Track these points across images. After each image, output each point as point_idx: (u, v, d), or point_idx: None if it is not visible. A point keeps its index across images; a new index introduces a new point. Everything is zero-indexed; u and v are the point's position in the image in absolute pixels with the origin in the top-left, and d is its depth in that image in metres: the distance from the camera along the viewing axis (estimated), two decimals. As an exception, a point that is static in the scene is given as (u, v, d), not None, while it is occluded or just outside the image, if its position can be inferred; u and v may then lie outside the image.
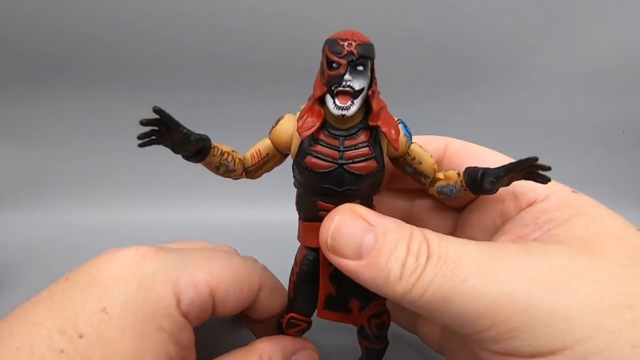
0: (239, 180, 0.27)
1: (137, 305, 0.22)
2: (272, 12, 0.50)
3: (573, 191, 0.24)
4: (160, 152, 0.58)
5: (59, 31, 0.51)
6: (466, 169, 0.25)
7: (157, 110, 0.21)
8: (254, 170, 0.26)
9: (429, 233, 0.22)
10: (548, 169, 0.21)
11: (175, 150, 0.23)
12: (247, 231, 0.51)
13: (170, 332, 0.23)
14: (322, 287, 0.26)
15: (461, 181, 0.25)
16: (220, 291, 0.25)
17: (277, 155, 0.26)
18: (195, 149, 0.23)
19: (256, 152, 0.26)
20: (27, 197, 0.57)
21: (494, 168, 0.23)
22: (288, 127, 0.24)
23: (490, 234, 0.25)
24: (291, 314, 0.28)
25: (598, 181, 0.61)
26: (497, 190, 0.24)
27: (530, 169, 0.22)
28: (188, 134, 0.22)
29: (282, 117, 0.25)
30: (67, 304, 0.22)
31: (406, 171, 0.26)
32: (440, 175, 0.26)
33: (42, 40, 0.51)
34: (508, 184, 0.23)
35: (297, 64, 0.49)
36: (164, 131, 0.21)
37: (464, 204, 0.28)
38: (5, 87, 0.54)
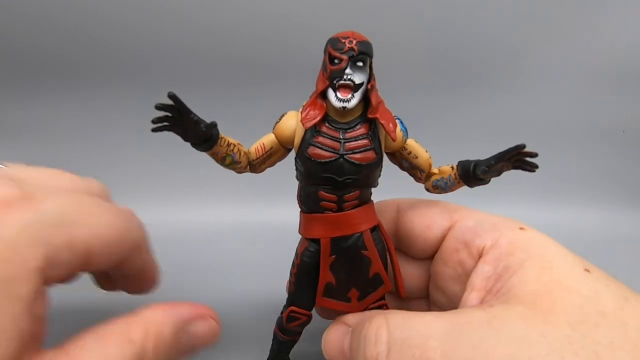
0: (242, 174, 0.28)
1: None
2: (273, 12, 0.50)
3: (521, 228, 0.25)
4: (160, 153, 0.58)
5: (58, 31, 0.51)
6: (459, 162, 0.26)
7: (171, 95, 0.22)
8: (257, 163, 0.27)
9: (393, 317, 0.22)
10: (534, 155, 0.23)
11: (186, 138, 0.24)
12: (247, 231, 0.51)
13: (27, 301, 0.18)
14: (322, 275, 0.26)
15: (455, 174, 0.26)
16: (96, 251, 0.22)
17: (280, 149, 0.27)
18: (205, 136, 0.24)
19: (260, 145, 0.27)
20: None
21: (485, 158, 0.25)
22: (291, 122, 0.26)
23: (459, 283, 0.26)
24: (292, 307, 0.28)
25: (598, 181, 0.61)
26: (489, 181, 0.25)
27: (518, 157, 0.23)
28: (198, 121, 0.23)
29: (286, 113, 0.26)
30: None
31: (403, 166, 0.28)
32: (434, 170, 0.28)
33: (42, 40, 0.51)
34: (499, 174, 0.25)
35: (298, 64, 0.49)
36: (176, 117, 0.23)
37: (428, 249, 0.29)
38: (5, 87, 0.54)
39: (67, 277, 0.22)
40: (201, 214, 0.56)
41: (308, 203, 0.26)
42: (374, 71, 0.25)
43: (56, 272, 0.20)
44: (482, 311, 0.21)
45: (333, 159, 0.24)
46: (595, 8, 0.53)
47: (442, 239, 0.28)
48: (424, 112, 0.55)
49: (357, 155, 0.24)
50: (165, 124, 0.23)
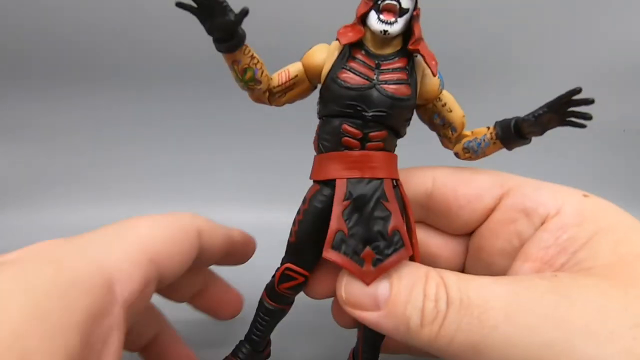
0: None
1: (48, 288, 0.17)
2: (269, 12, 0.50)
3: (584, 195, 0.23)
4: (160, 153, 0.58)
5: (57, 31, 0.51)
6: (496, 122, 0.24)
7: None
8: (278, 92, 0.25)
9: (447, 275, 0.20)
10: (591, 102, 0.20)
11: (211, 27, 0.21)
12: (248, 231, 0.51)
13: (88, 314, 0.17)
14: (333, 221, 0.22)
15: (491, 133, 0.24)
16: (162, 254, 0.22)
17: (305, 81, 0.25)
18: (232, 29, 0.21)
19: (285, 72, 0.24)
20: (25, 198, 0.57)
21: (529, 113, 0.23)
22: (322, 51, 0.24)
23: (510, 258, 0.24)
24: (288, 264, 0.25)
25: (598, 181, 0.61)
26: (530, 140, 0.23)
27: (569, 107, 0.20)
28: (227, 6, 0.20)
29: (315, 46, 0.24)
30: None
31: (434, 122, 0.25)
32: (467, 132, 0.25)
33: (42, 40, 0.51)
34: (543, 131, 0.22)
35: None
36: (204, 1, 0.20)
37: (473, 222, 0.26)
38: (7, 87, 0.53)
39: (146, 288, 0.21)
40: (201, 214, 0.56)
41: (328, 139, 0.23)
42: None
43: (134, 290, 0.20)
44: (545, 279, 0.19)
45: (365, 85, 0.22)
46: (596, 8, 0.53)
47: (492, 209, 0.25)
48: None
49: (392, 87, 0.22)
50: (192, 4, 0.20)
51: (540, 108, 0.22)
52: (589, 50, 0.55)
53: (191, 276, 0.28)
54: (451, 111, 0.25)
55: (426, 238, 0.27)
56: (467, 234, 0.27)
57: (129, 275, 0.20)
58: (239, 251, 0.29)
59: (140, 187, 0.58)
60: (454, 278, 0.20)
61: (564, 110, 0.21)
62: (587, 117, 0.20)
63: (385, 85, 0.22)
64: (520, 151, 0.63)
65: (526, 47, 0.55)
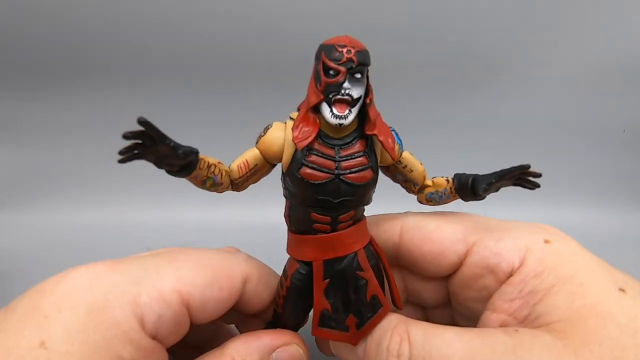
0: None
1: (86, 336, 0.19)
2: (263, 16, 0.50)
3: (546, 241, 0.23)
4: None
5: (58, 31, 0.51)
6: (455, 175, 0.25)
7: (142, 121, 0.19)
8: (240, 182, 0.25)
9: (413, 329, 0.21)
10: (539, 175, 0.21)
11: (159, 165, 0.21)
12: (248, 231, 0.51)
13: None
14: (316, 302, 0.24)
15: (450, 187, 0.25)
16: (195, 297, 0.22)
17: (265, 165, 0.24)
18: (184, 163, 0.21)
19: (243, 163, 0.24)
20: (25, 198, 0.57)
21: (485, 175, 0.23)
22: (278, 136, 0.23)
23: (484, 303, 0.24)
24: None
25: (598, 181, 0.61)
26: (485, 197, 0.24)
27: (520, 176, 0.22)
28: (176, 147, 0.20)
29: (271, 126, 0.24)
30: (0, 339, 0.18)
31: (396, 179, 0.26)
32: (428, 182, 0.26)
33: (42, 40, 0.51)
34: (497, 190, 0.24)
35: (287, 68, 0.49)
36: (148, 145, 0.20)
37: (443, 273, 0.26)
38: (7, 87, 0.53)
39: (178, 330, 0.22)
40: (201, 214, 0.56)
41: (298, 224, 0.24)
42: (371, 81, 0.23)
43: (158, 327, 0.21)
44: (506, 336, 0.20)
45: (328, 179, 0.22)
46: (596, 8, 0.53)
47: (459, 264, 0.25)
48: (423, 113, 0.55)
49: (354, 175, 0.22)
50: (135, 152, 0.20)
51: (493, 176, 0.23)
52: (589, 50, 0.55)
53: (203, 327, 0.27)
54: (412, 171, 0.25)
55: (409, 275, 0.28)
56: (446, 276, 0.27)
57: (159, 316, 0.21)
58: None
59: (141, 186, 0.57)
60: (420, 333, 0.21)
61: (514, 179, 0.23)
62: (535, 187, 0.22)
63: (349, 175, 0.22)
64: (520, 151, 0.63)
65: (526, 47, 0.55)
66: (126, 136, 0.19)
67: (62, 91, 0.54)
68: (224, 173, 0.24)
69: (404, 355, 0.20)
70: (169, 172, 0.22)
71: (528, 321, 0.21)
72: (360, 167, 0.22)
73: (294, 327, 0.26)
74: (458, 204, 0.27)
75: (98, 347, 0.19)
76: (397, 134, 0.24)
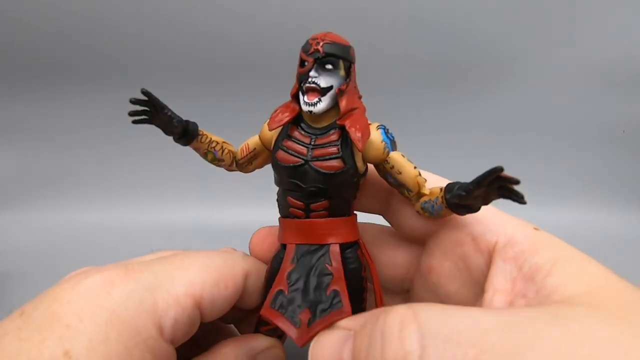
0: (233, 172, 0.28)
1: (110, 345, 0.19)
2: (263, 11, 0.50)
3: (535, 228, 0.22)
4: (161, 153, 0.58)
5: (58, 32, 0.51)
6: (447, 185, 0.22)
7: (144, 92, 0.23)
8: (244, 163, 0.27)
9: (423, 309, 0.17)
10: (516, 182, 0.18)
11: (165, 131, 0.25)
12: (249, 231, 0.51)
13: None
14: (276, 281, 0.23)
15: (442, 197, 0.22)
16: (206, 298, 0.23)
17: (264, 151, 0.26)
18: (178, 131, 0.25)
19: (245, 146, 0.27)
20: (25, 198, 0.57)
21: (466, 182, 0.21)
22: None
23: (459, 282, 0.23)
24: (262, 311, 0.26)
25: (598, 181, 0.61)
26: (478, 208, 0.21)
27: (501, 184, 0.19)
28: (172, 116, 0.24)
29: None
30: (21, 348, 0.18)
31: (389, 181, 0.25)
32: (426, 190, 0.24)
33: (42, 41, 0.51)
34: (486, 202, 0.20)
35: (285, 66, 0.49)
36: (152, 112, 0.24)
37: (425, 227, 0.25)
38: (7, 87, 0.53)
39: (190, 330, 0.23)
40: (202, 214, 0.56)
41: (281, 208, 0.25)
42: (358, 75, 0.23)
43: (175, 331, 0.21)
44: (538, 309, 0.17)
45: (298, 164, 0.23)
46: (596, 8, 0.53)
47: (443, 224, 0.24)
48: (422, 113, 0.55)
49: (322, 163, 0.23)
50: (144, 117, 0.24)
51: (471, 183, 0.20)
52: (589, 50, 0.55)
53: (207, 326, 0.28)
54: (400, 173, 0.24)
55: (383, 246, 0.28)
56: (419, 241, 0.26)
57: (175, 321, 0.21)
58: None
59: (141, 186, 0.58)
60: (433, 311, 0.17)
61: (497, 188, 0.19)
62: (521, 200, 0.18)
63: (317, 162, 0.23)
64: (520, 151, 0.63)
65: (527, 48, 0.55)
66: (132, 101, 0.23)
67: (63, 91, 0.54)
68: (226, 151, 0.27)
69: (411, 336, 0.16)
70: (175, 140, 0.25)
71: (543, 296, 0.19)
72: (328, 156, 0.23)
73: None
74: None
75: (120, 357, 0.19)
76: (385, 132, 0.24)
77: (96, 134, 0.56)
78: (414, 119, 0.54)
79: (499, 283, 0.21)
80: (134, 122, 0.24)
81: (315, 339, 0.21)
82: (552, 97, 0.57)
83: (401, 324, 0.16)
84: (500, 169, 0.18)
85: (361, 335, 0.18)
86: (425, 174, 0.25)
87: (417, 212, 0.25)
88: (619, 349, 0.15)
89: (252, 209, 0.55)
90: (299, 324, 0.22)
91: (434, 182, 0.24)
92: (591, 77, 0.57)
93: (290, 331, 0.22)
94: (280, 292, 0.23)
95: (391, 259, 0.27)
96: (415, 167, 0.24)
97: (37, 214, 0.56)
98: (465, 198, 0.20)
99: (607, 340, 0.15)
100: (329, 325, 0.21)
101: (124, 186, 0.57)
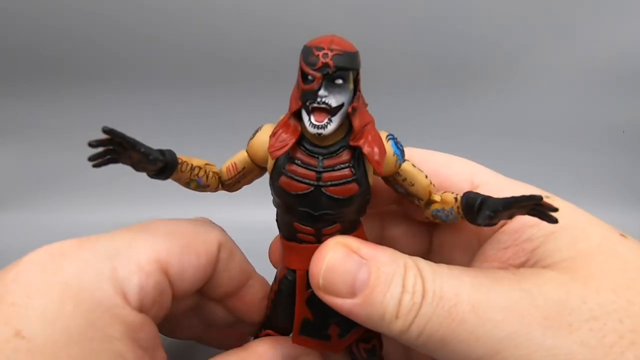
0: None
1: (67, 320, 0.17)
2: (260, 13, 0.50)
3: (546, 196, 0.22)
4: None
5: (58, 31, 0.51)
6: (465, 194, 0.21)
7: (107, 130, 0.19)
8: (231, 184, 0.24)
9: (423, 265, 0.20)
10: (555, 210, 0.18)
11: (137, 169, 0.21)
12: (249, 232, 0.51)
13: (123, 337, 0.18)
14: (297, 311, 0.23)
15: (458, 207, 0.22)
16: (173, 264, 0.21)
17: (255, 168, 0.24)
18: (156, 168, 0.20)
19: (232, 165, 0.24)
20: (25, 198, 0.57)
21: (494, 199, 0.19)
22: (265, 140, 0.22)
23: (470, 255, 0.24)
24: (267, 331, 0.26)
25: (598, 181, 0.61)
26: (496, 223, 0.21)
27: (534, 207, 0.18)
28: (146, 152, 0.20)
29: (260, 128, 0.23)
30: None
31: (398, 191, 0.24)
32: (436, 197, 0.23)
33: (43, 40, 0.51)
34: (510, 218, 0.21)
35: (284, 66, 0.49)
36: (120, 151, 0.19)
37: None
38: (7, 87, 0.53)
39: (162, 300, 0.21)
40: (201, 214, 0.56)
41: (284, 231, 0.23)
42: (362, 84, 0.21)
43: (143, 298, 0.20)
44: (508, 273, 0.20)
45: (307, 191, 0.21)
46: (596, 8, 0.53)
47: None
48: (422, 113, 0.55)
49: (336, 188, 0.20)
50: (108, 157, 0.20)
51: (500, 203, 0.19)
52: (589, 50, 0.55)
53: (194, 315, 0.27)
54: (413, 185, 0.23)
55: (390, 220, 0.28)
56: (431, 225, 0.27)
57: (140, 288, 0.20)
58: (250, 293, 0.27)
59: (142, 187, 0.57)
60: (429, 269, 0.20)
61: (529, 209, 0.19)
62: (554, 221, 0.18)
63: (331, 188, 0.21)
64: (520, 151, 0.63)
65: (527, 48, 0.55)
66: (91, 144, 0.19)
67: (63, 92, 0.54)
68: (210, 175, 0.23)
69: (418, 291, 0.19)
70: (149, 175, 0.21)
71: (526, 266, 0.21)
72: (343, 180, 0.21)
73: (284, 331, 0.26)
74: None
75: (83, 330, 0.17)
76: (395, 143, 0.22)
77: (96, 134, 0.56)
78: (414, 120, 0.54)
79: (490, 252, 0.22)
80: (95, 166, 0.20)
81: (327, 254, 0.21)
82: (551, 97, 0.57)
83: (415, 279, 0.20)
84: (540, 198, 0.17)
85: (380, 272, 0.20)
86: (481, 170, 0.25)
87: (427, 218, 0.24)
88: (576, 316, 0.17)
89: (252, 208, 0.55)
90: (330, 338, 0.23)
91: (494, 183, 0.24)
92: (591, 77, 0.57)
93: (324, 347, 0.24)
94: (306, 319, 0.23)
95: (403, 246, 0.27)
96: (426, 176, 0.23)
97: (37, 214, 0.56)
98: (493, 218, 0.19)
99: (568, 306, 0.17)
100: (362, 333, 0.23)
101: (123, 186, 0.57)
